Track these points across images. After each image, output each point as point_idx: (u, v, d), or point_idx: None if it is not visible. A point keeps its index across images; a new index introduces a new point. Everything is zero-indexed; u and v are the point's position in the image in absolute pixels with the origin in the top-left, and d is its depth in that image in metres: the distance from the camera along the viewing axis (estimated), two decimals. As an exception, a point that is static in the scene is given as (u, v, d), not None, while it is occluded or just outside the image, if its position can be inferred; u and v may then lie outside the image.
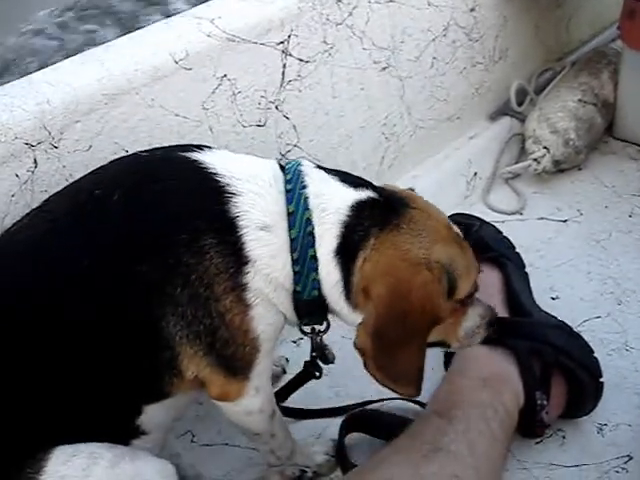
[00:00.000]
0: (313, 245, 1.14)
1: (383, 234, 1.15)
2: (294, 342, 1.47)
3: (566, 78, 2.32)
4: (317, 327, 1.30)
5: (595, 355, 1.51)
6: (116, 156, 1.30)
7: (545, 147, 2.14)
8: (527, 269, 1.71)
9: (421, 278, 1.14)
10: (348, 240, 1.15)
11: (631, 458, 1.46)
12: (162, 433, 1.27)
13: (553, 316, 1.58)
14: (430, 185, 2.06)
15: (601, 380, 1.49)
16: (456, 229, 1.31)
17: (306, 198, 1.15)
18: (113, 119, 1.38)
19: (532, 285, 1.68)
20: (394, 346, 1.16)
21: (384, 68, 1.88)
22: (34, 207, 1.19)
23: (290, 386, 1.47)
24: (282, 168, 1.20)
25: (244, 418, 1.27)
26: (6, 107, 1.30)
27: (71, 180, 1.34)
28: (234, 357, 1.14)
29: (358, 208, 1.17)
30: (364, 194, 1.19)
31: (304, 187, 1.16)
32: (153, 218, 1.09)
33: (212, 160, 1.15)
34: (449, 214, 1.84)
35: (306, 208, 1.14)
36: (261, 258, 1.12)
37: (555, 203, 2.13)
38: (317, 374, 1.41)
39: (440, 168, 2.11)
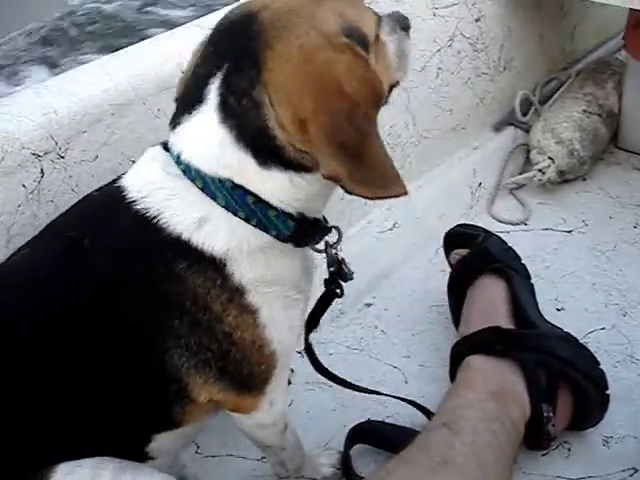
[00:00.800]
0: (242, 191, 1.02)
1: (270, 72, 0.98)
2: (299, 353, 1.46)
3: (571, 88, 2.33)
4: (328, 240, 1.22)
5: (601, 367, 1.50)
6: (122, 166, 1.30)
7: (550, 157, 2.14)
8: (532, 280, 1.71)
9: (340, 63, 0.97)
10: (252, 136, 1.00)
11: (637, 471, 1.45)
12: (171, 457, 1.25)
13: (559, 327, 1.58)
14: (435, 195, 2.06)
15: (607, 392, 1.48)
16: None
17: (191, 165, 1.03)
18: (120, 129, 1.38)
19: (537, 296, 1.67)
20: (359, 149, 0.98)
21: (389, 77, 1.87)
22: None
23: (316, 311, 1.33)
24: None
25: (256, 430, 1.25)
26: (13, 117, 1.29)
27: (77, 190, 1.35)
28: (249, 377, 1.10)
29: (227, 111, 1.00)
30: (214, 89, 1.02)
31: (180, 155, 1.04)
32: (121, 263, 1.04)
33: (129, 184, 1.07)
34: (454, 224, 1.88)
35: (202, 173, 1.03)
36: (227, 247, 1.03)
37: (560, 214, 2.13)
38: (339, 292, 1.30)
39: (445, 178, 2.11)
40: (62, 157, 1.33)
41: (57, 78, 1.43)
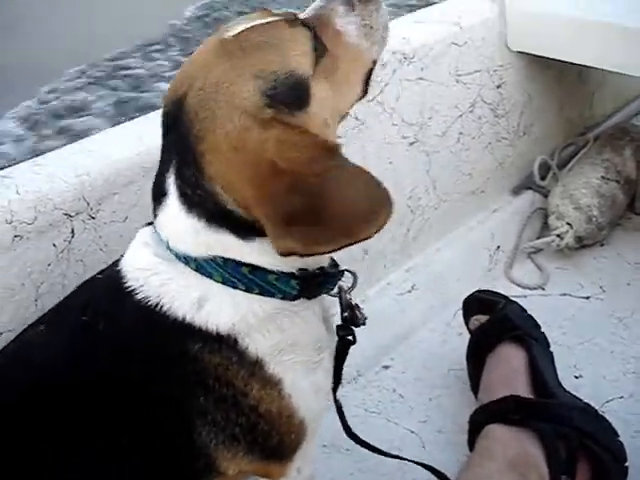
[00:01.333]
0: (234, 263, 1.02)
1: (205, 165, 0.98)
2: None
3: (589, 154, 2.35)
4: (343, 285, 1.19)
5: (620, 439, 1.50)
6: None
7: (568, 223, 2.15)
8: (550, 347, 1.71)
9: (268, 146, 0.94)
10: (220, 219, 1.00)
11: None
12: None
13: (578, 397, 1.58)
14: (454, 258, 2.08)
15: (626, 464, 1.48)
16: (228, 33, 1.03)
17: (179, 250, 1.03)
18: (149, 191, 1.41)
19: (555, 363, 1.67)
20: (314, 211, 0.94)
21: (412, 143, 1.91)
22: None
23: (336, 366, 1.24)
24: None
25: None
26: (48, 178, 1.33)
27: (106, 250, 1.37)
28: (279, 446, 1.09)
29: (187, 200, 1.01)
30: (171, 182, 1.03)
31: (168, 241, 1.04)
32: (136, 355, 1.04)
33: (127, 271, 1.07)
34: (472, 288, 1.89)
35: (192, 257, 1.03)
36: (232, 323, 1.02)
37: (578, 279, 2.13)
38: (352, 339, 1.24)
39: (463, 241, 2.12)
40: (93, 218, 1.35)
41: (90, 139, 1.47)
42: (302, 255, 0.97)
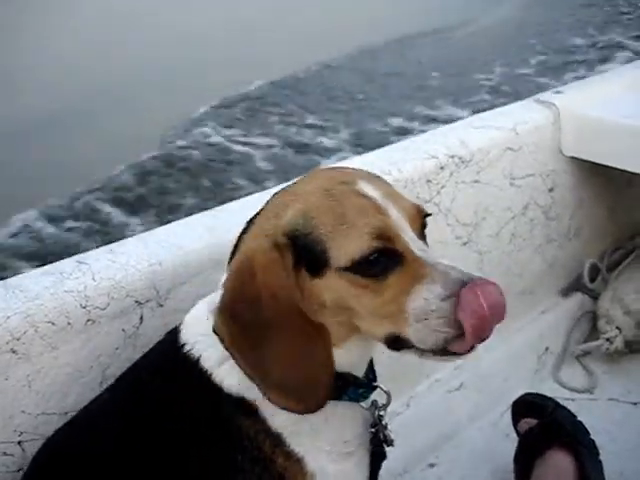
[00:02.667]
0: None
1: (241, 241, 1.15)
2: None
3: (639, 258, 2.37)
4: (378, 401, 1.23)
5: None
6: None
7: (617, 327, 2.17)
8: (599, 454, 1.71)
9: (261, 256, 1.05)
10: None
11: None
12: None
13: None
14: (501, 357, 2.09)
15: None
16: (345, 178, 1.11)
17: None
18: (216, 282, 1.46)
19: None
20: (256, 334, 1.04)
21: (465, 243, 1.95)
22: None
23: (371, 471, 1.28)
24: None
25: None
26: (122, 266, 1.39)
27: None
28: None
29: None
30: None
31: None
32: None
33: (191, 346, 1.16)
34: (519, 388, 1.90)
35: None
36: (243, 388, 1.10)
37: (626, 384, 2.13)
38: (383, 452, 1.26)
39: (512, 341, 2.13)
40: (161, 306, 1.41)
41: (163, 229, 1.53)
42: (222, 342, 1.06)
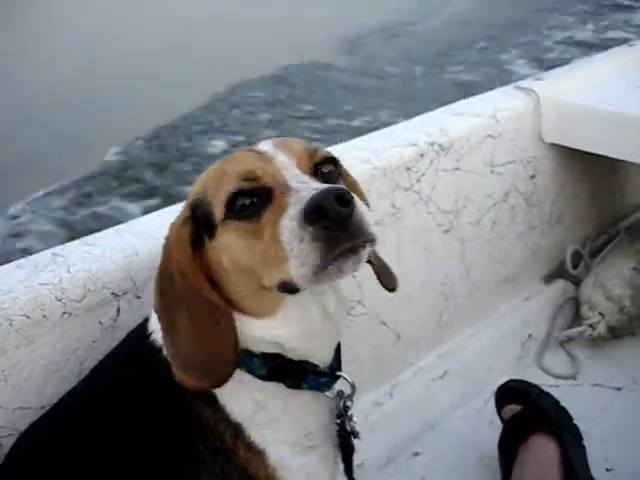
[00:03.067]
0: None
1: None
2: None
3: (621, 245, 2.37)
4: (344, 390, 1.20)
5: None
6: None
7: (600, 313, 2.17)
8: (583, 439, 1.71)
9: (173, 233, 1.10)
10: None
11: None
12: None
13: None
14: (485, 345, 2.09)
15: None
16: (264, 149, 1.10)
17: None
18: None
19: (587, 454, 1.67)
20: (172, 311, 1.06)
21: (446, 231, 1.95)
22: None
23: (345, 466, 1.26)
24: None
25: None
26: (97, 258, 1.37)
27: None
28: None
29: None
30: None
31: None
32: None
33: (156, 334, 1.15)
34: (503, 375, 1.90)
35: None
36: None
37: (610, 369, 2.13)
38: (351, 445, 1.22)
39: (495, 328, 2.14)
40: (138, 297, 1.39)
41: (138, 221, 1.52)
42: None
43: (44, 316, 1.30)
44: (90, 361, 1.35)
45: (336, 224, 0.94)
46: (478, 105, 2.07)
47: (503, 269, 2.17)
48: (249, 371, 1.10)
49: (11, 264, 1.39)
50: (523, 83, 2.23)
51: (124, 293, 1.38)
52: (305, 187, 1.00)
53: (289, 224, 0.96)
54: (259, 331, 1.08)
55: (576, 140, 2.17)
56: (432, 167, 1.86)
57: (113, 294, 1.37)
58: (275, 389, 1.11)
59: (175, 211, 1.52)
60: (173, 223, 1.12)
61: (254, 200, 1.03)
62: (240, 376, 1.09)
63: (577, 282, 2.32)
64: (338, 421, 1.20)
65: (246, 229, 1.03)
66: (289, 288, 1.00)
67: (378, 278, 1.26)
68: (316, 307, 1.09)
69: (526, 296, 2.26)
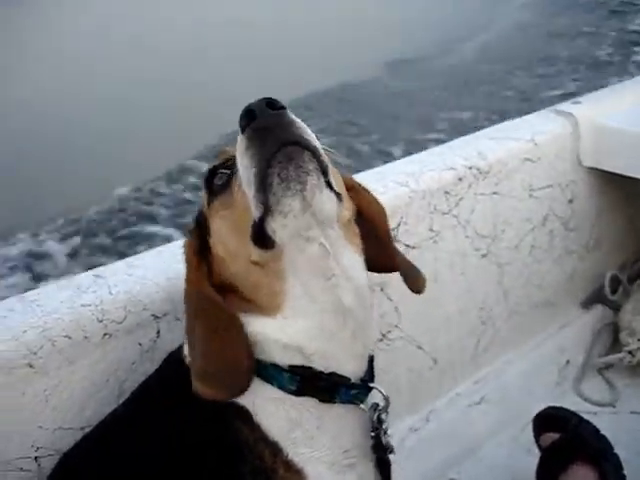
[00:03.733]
0: None
1: None
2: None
3: (660, 270, 2.34)
4: (379, 403, 1.18)
5: None
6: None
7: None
8: (623, 469, 1.67)
9: (185, 248, 1.15)
10: None
11: None
12: None
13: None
14: (522, 371, 2.07)
15: None
16: None
17: None
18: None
19: (627, 485, 1.63)
20: (192, 326, 1.11)
21: (484, 255, 1.93)
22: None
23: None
24: None
25: None
26: (138, 279, 1.38)
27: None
28: None
29: None
30: None
31: None
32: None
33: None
34: (541, 401, 1.87)
35: None
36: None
37: (649, 397, 2.10)
38: (387, 460, 1.20)
39: (533, 354, 2.11)
40: (178, 319, 1.39)
41: (179, 242, 1.52)
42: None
43: (85, 337, 1.31)
44: (130, 382, 1.35)
45: (268, 129, 0.96)
46: (516, 129, 2.06)
47: (541, 294, 2.15)
48: (280, 387, 1.09)
49: (53, 285, 1.40)
50: (561, 106, 2.21)
51: (164, 315, 1.38)
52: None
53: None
54: (273, 333, 1.08)
55: (614, 164, 2.15)
56: (470, 191, 1.85)
57: (153, 316, 1.37)
58: (308, 404, 1.11)
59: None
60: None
61: (229, 173, 1.06)
62: (273, 393, 1.09)
63: (616, 307, 2.29)
64: (373, 434, 1.18)
65: (224, 201, 1.06)
66: (261, 236, 1.00)
67: (405, 280, 1.27)
68: (325, 296, 1.07)
69: (564, 321, 2.23)
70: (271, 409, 1.10)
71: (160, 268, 1.41)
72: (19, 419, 1.27)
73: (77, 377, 1.32)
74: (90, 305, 1.33)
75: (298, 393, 1.10)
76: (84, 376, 1.32)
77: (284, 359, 1.09)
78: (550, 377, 2.12)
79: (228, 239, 1.07)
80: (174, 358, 1.21)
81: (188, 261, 1.12)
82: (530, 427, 1.84)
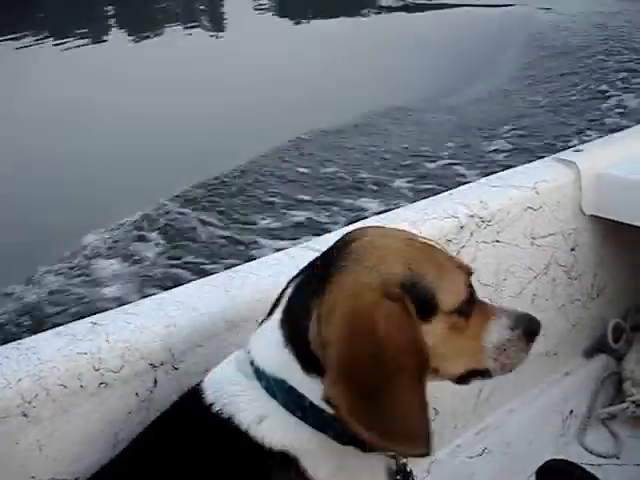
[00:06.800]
0: (297, 392, 1.11)
1: (327, 292, 1.10)
2: None
3: (663, 318, 2.32)
4: None
5: None
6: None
7: (644, 390, 2.11)
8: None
9: (381, 309, 1.06)
10: (295, 340, 1.12)
11: None
12: None
13: None
14: (525, 421, 2.04)
15: None
16: (422, 238, 1.23)
17: (259, 365, 1.15)
18: (232, 345, 1.43)
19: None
20: (376, 392, 1.05)
21: (486, 303, 1.91)
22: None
23: None
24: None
25: None
26: (136, 328, 1.37)
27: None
28: None
29: (286, 314, 1.15)
30: (285, 295, 1.18)
31: (252, 355, 1.17)
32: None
33: (208, 384, 1.20)
34: (544, 452, 1.84)
35: (266, 373, 1.14)
36: (285, 443, 1.11)
37: (654, 449, 2.06)
38: None
39: (535, 404, 2.09)
40: (176, 369, 1.38)
41: (178, 290, 1.51)
42: (336, 411, 1.05)
43: (81, 386, 1.29)
44: (125, 433, 1.33)
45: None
46: (518, 177, 2.05)
47: (543, 343, 2.11)
48: (335, 436, 1.11)
49: (50, 332, 1.39)
50: (563, 154, 2.22)
51: (161, 364, 1.37)
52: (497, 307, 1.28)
53: (501, 331, 1.23)
54: None
55: (617, 212, 2.15)
56: (472, 239, 1.85)
57: (151, 365, 1.36)
58: (352, 452, 1.12)
59: (212, 281, 1.55)
60: (364, 304, 1.08)
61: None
62: (322, 439, 1.11)
63: (619, 357, 2.27)
64: (398, 477, 1.22)
65: (458, 323, 1.16)
66: (472, 375, 1.23)
67: None
68: None
69: (567, 370, 2.21)
70: (319, 455, 1.12)
71: (158, 316, 1.40)
72: (11, 469, 1.25)
73: (72, 427, 1.30)
74: (86, 353, 1.31)
75: (347, 442, 1.12)
76: (79, 426, 1.30)
77: None
78: (553, 428, 2.09)
79: (443, 349, 1.16)
80: (191, 408, 1.20)
81: (403, 325, 1.09)
82: (533, 479, 1.80)
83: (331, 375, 1.05)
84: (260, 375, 1.14)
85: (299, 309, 1.13)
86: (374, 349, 1.05)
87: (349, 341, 1.05)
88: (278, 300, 1.20)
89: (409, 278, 1.11)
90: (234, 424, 1.12)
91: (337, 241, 1.21)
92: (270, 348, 1.14)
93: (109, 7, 18.94)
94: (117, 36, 16.08)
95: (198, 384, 1.22)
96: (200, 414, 1.16)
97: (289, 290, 1.18)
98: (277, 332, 1.14)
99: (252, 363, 1.16)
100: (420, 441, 1.07)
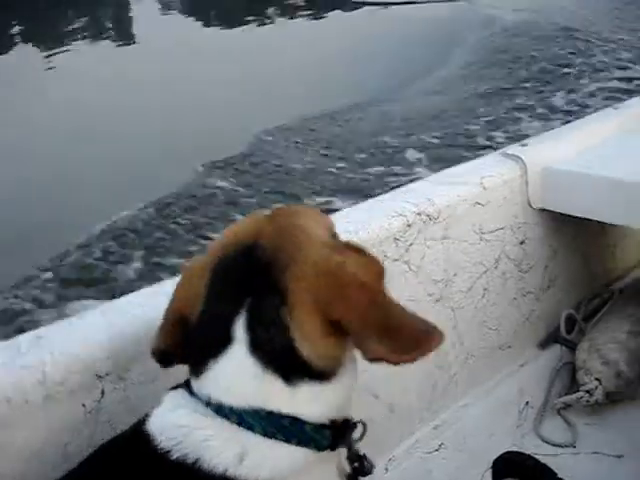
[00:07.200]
0: (276, 416, 1.06)
1: (290, 294, 1.05)
2: None
3: (614, 307, 2.36)
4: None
5: None
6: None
7: (597, 379, 2.13)
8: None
9: (349, 265, 1.07)
10: (279, 360, 1.06)
11: None
12: None
13: None
14: (482, 414, 2.05)
15: None
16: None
17: (223, 404, 1.08)
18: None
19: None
20: (387, 322, 1.06)
21: (437, 300, 1.94)
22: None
23: None
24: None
25: None
26: (81, 339, 1.36)
27: (134, 412, 1.35)
28: None
29: (254, 342, 1.07)
30: (240, 327, 1.08)
31: (210, 397, 1.08)
32: None
33: (157, 432, 1.09)
34: (501, 445, 1.85)
35: (236, 409, 1.06)
36: (272, 474, 1.05)
37: (609, 436, 2.09)
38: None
39: (491, 397, 2.10)
40: (122, 379, 1.37)
41: (123, 300, 1.50)
42: (388, 362, 1.05)
43: (26, 400, 1.28)
44: (74, 445, 1.32)
45: None
46: (465, 173, 2.08)
47: (497, 336, 2.15)
48: (316, 445, 1.09)
49: None
50: (509, 149, 2.24)
51: (107, 374, 1.36)
52: None
53: None
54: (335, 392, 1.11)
55: (564, 205, 2.18)
56: (420, 236, 1.86)
57: (97, 376, 1.35)
58: (323, 456, 1.11)
59: (157, 290, 1.54)
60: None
61: None
62: (307, 453, 1.08)
63: (573, 347, 2.29)
64: (355, 465, 1.21)
65: None
66: None
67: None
68: None
69: (521, 362, 2.23)
70: (303, 476, 1.09)
71: (102, 326, 1.39)
72: (-44, 488, 1.24)
73: (17, 441, 1.28)
74: (30, 367, 1.30)
75: (325, 447, 1.11)
76: (25, 440, 1.29)
77: (330, 414, 1.11)
78: (510, 419, 2.11)
79: None
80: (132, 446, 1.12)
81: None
82: (490, 473, 1.82)
83: (366, 338, 1.05)
84: (226, 413, 1.06)
85: (272, 331, 1.05)
86: (370, 293, 1.06)
87: (357, 304, 1.05)
88: (211, 340, 1.09)
89: (330, 233, 1.18)
90: (204, 470, 1.03)
91: (225, 259, 1.13)
92: (245, 382, 1.06)
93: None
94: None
95: (134, 431, 1.13)
96: (153, 463, 1.06)
97: (239, 322, 1.07)
98: (252, 365, 1.06)
99: (210, 404, 1.08)
100: (434, 331, 1.08)
